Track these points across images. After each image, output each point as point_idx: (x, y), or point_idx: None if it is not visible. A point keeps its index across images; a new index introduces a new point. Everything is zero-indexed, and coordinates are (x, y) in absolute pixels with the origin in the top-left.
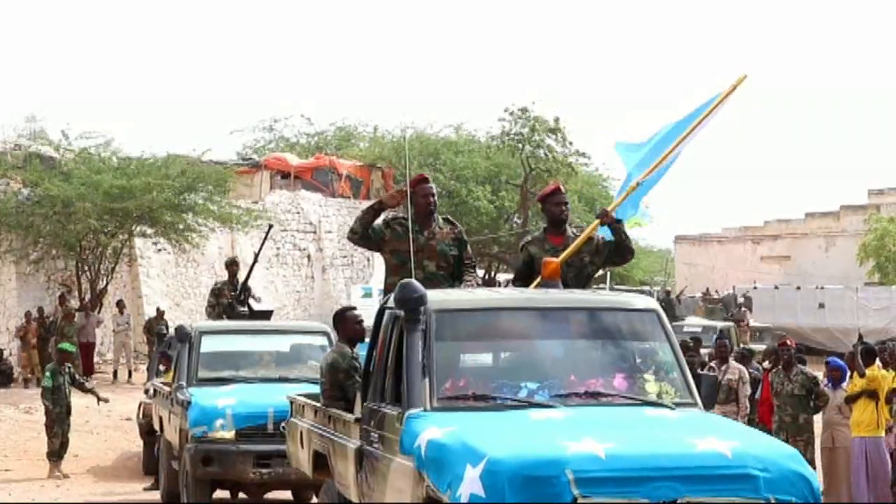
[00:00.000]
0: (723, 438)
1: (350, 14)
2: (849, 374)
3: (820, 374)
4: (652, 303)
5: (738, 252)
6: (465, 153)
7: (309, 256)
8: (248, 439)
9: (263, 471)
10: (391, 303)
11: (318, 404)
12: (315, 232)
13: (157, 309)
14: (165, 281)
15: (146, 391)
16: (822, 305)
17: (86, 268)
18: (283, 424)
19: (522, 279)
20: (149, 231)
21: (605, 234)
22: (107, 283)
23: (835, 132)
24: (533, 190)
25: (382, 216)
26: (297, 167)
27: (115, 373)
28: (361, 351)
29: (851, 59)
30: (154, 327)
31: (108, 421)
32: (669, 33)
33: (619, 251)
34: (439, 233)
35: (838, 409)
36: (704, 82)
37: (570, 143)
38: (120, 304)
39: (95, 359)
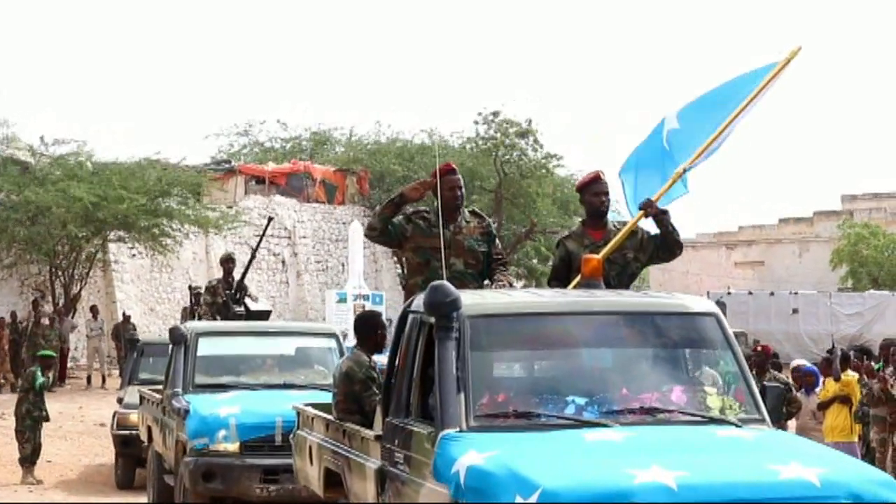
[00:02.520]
0: (808, 464)
1: (324, 19)
2: (822, 379)
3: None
4: (710, 305)
5: (713, 257)
6: (439, 157)
7: (283, 262)
8: (254, 452)
9: (271, 487)
10: (416, 306)
11: (331, 417)
12: (290, 237)
13: (124, 314)
14: (140, 286)
15: (119, 400)
16: (795, 311)
17: (60, 273)
18: (291, 436)
19: (559, 278)
20: (124, 236)
21: (649, 227)
22: (81, 288)
23: (808, 138)
24: (507, 195)
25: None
26: (272, 172)
27: (88, 378)
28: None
29: (823, 66)
30: (122, 333)
31: (81, 427)
32: (642, 35)
33: (666, 246)
34: (466, 227)
35: (812, 415)
36: (678, 86)
37: (542, 147)
38: (94, 310)
39: (69, 364)
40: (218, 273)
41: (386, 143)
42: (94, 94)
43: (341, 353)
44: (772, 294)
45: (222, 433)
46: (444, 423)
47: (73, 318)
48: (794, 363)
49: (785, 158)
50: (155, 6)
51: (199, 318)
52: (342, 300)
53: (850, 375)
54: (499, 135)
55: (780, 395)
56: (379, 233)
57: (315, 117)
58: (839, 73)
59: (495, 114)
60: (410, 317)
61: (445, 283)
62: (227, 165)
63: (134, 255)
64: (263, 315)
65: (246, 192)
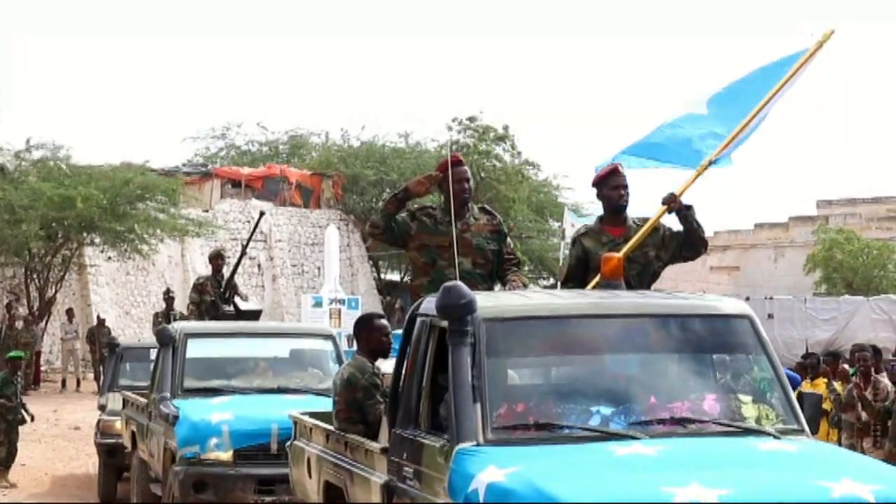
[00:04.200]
0: (860, 479)
1: (300, 23)
2: (801, 384)
3: None
4: (743, 307)
5: (688, 262)
6: (413, 159)
7: (259, 265)
8: (248, 461)
9: (266, 498)
10: (425, 309)
11: (331, 427)
12: (266, 241)
13: (98, 317)
14: (115, 289)
15: (101, 407)
16: (770, 316)
17: (35, 275)
18: (287, 444)
19: (575, 279)
20: (96, 240)
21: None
22: (56, 291)
23: (783, 144)
24: (482, 201)
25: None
26: (248, 176)
27: (63, 381)
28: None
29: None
30: (96, 336)
31: (56, 430)
32: (617, 44)
33: (689, 243)
34: (475, 224)
35: None
36: (658, 94)
37: (519, 153)
38: (69, 313)
39: (43, 367)
40: (193, 276)
41: (359, 147)
42: (73, 97)
43: (338, 356)
44: (747, 299)
45: (214, 441)
46: (460, 435)
47: (48, 321)
48: None
49: (761, 164)
50: (135, 12)
51: (175, 320)
52: (318, 304)
53: (820, 381)
54: (472, 141)
55: (818, 403)
56: (381, 231)
57: (292, 121)
58: (814, 79)
59: (471, 119)
60: (418, 320)
61: (460, 283)
62: (202, 169)
63: (109, 258)
64: (254, 315)
65: (222, 196)
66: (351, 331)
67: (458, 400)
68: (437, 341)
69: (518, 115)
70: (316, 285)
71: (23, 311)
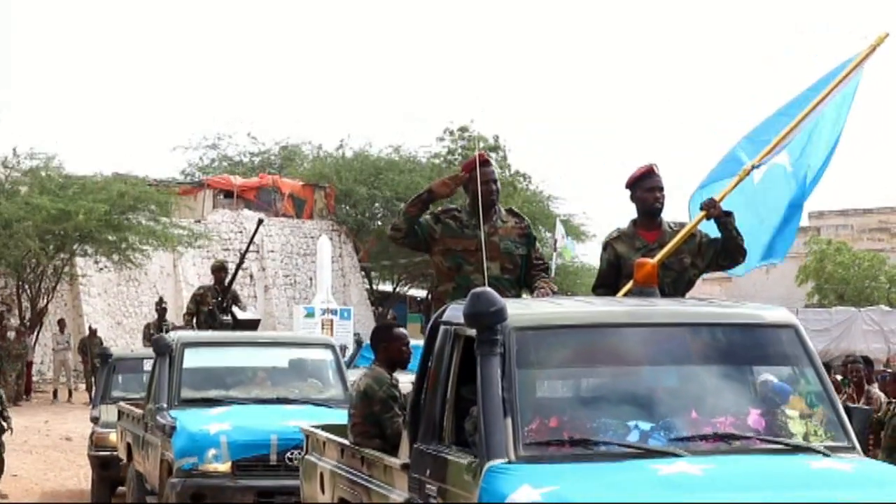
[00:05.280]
0: None
1: (291, 33)
2: (790, 396)
3: None
4: (789, 316)
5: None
6: (406, 172)
7: (251, 276)
8: (247, 473)
9: None
10: (449, 317)
11: (346, 441)
12: (258, 251)
13: (90, 328)
14: (106, 300)
15: (94, 419)
16: None
17: (26, 286)
18: (287, 455)
19: (607, 285)
20: (90, 250)
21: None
22: (47, 302)
23: None
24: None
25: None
26: (241, 186)
27: (54, 392)
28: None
29: (789, 84)
30: (88, 347)
31: (47, 441)
32: (605, 54)
33: (727, 251)
34: (502, 228)
35: None
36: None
37: (509, 165)
38: (61, 323)
39: (34, 378)
40: (185, 286)
41: (351, 158)
42: (65, 107)
43: (338, 366)
44: None
45: (212, 452)
46: (490, 452)
47: (38, 332)
48: (761, 378)
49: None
50: (131, 19)
51: (168, 331)
52: (310, 315)
53: None
54: (464, 152)
55: (868, 418)
56: (404, 234)
57: (284, 131)
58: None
59: (462, 129)
60: (442, 329)
61: (489, 290)
62: (195, 180)
63: (101, 268)
64: (252, 324)
65: (214, 206)
66: (342, 341)
67: (488, 414)
68: (462, 351)
69: (510, 126)
70: (308, 296)
71: (14, 321)
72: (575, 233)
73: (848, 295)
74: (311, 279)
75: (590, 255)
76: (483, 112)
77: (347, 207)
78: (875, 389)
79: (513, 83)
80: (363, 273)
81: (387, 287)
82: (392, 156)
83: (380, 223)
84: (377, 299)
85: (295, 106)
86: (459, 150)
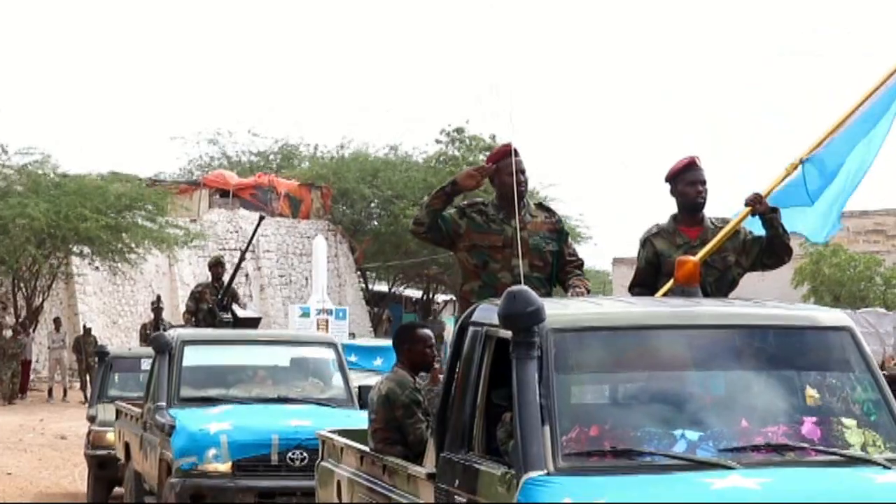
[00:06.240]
0: None
1: (289, 32)
2: None
3: None
4: (844, 318)
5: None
6: (402, 171)
7: (247, 275)
8: (248, 473)
9: None
10: (479, 318)
11: (366, 448)
12: (253, 251)
13: (84, 326)
14: (102, 298)
15: (91, 418)
16: None
17: (22, 285)
18: (289, 455)
19: (645, 284)
20: (85, 251)
21: (751, 227)
22: (43, 300)
23: (772, 156)
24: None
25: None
26: (237, 185)
27: (50, 390)
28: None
29: (783, 84)
30: (83, 345)
31: (42, 439)
32: (605, 54)
33: (772, 249)
34: (531, 222)
35: None
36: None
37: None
38: (56, 322)
39: (30, 376)
40: (180, 286)
41: (348, 158)
42: (59, 103)
43: (340, 365)
44: None
45: (212, 452)
46: (527, 462)
47: (34, 330)
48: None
49: (747, 177)
50: (128, 16)
51: (163, 330)
52: (305, 315)
53: None
54: (460, 153)
55: None
56: (427, 229)
57: (282, 131)
58: (798, 89)
59: (459, 130)
60: (471, 330)
61: (526, 288)
62: (191, 178)
63: (97, 267)
64: (253, 322)
65: (210, 206)
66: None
67: (525, 422)
68: (493, 354)
69: (509, 125)
70: (303, 296)
71: (10, 320)
72: (571, 234)
73: (843, 297)
74: (306, 279)
75: (587, 258)
76: (482, 113)
77: (343, 207)
78: None
79: (512, 83)
80: (359, 273)
81: (382, 287)
82: (389, 155)
83: (375, 223)
84: (373, 299)
85: (295, 106)
86: (456, 152)
